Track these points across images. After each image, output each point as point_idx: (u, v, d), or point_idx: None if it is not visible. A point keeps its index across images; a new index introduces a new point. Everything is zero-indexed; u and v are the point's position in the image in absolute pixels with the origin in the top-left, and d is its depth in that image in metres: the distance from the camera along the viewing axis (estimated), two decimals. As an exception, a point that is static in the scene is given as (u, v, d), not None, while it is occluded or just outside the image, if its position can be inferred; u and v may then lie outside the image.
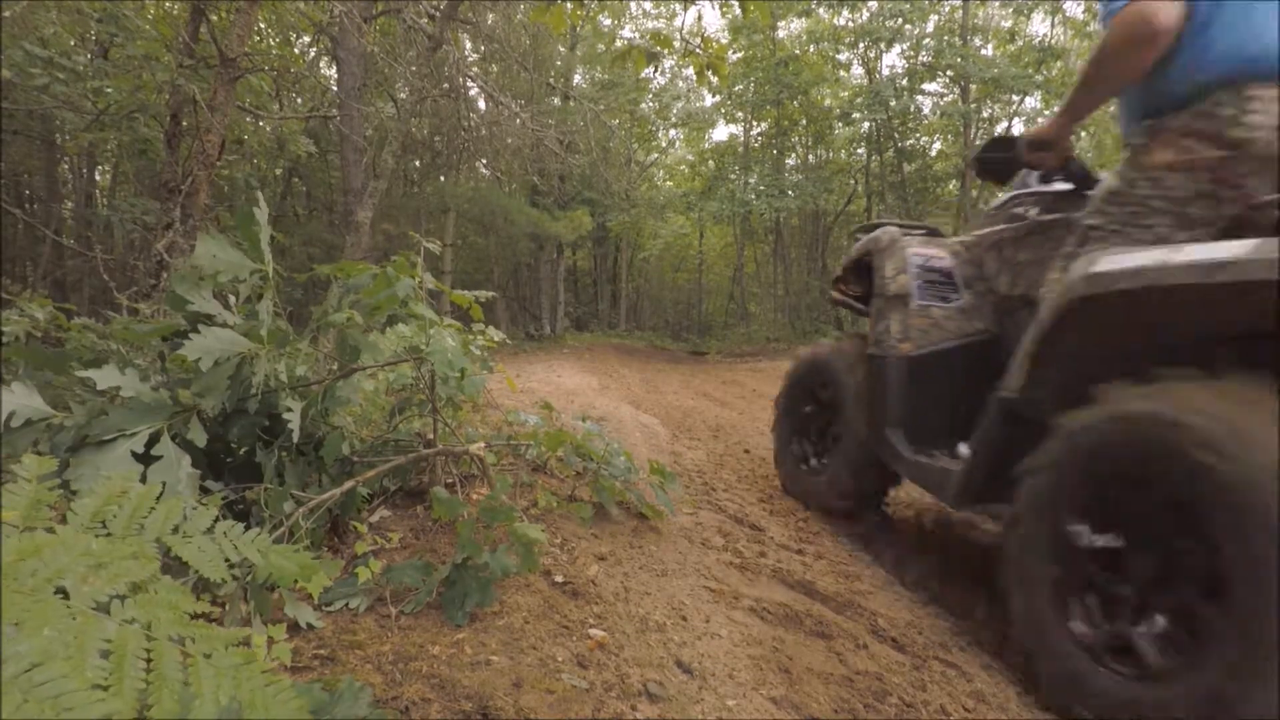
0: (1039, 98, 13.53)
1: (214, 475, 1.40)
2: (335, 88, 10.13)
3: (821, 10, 15.26)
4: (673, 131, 20.82)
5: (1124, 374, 1.40)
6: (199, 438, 1.26)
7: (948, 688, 1.39)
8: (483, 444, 1.75)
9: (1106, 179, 1.75)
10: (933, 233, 2.59)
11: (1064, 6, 14.90)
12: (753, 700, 1.18)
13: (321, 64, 11.60)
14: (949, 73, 14.36)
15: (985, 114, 14.82)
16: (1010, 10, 14.90)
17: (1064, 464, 1.44)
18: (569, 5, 3.35)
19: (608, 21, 17.24)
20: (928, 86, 15.37)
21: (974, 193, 14.76)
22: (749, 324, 18.00)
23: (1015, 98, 13.85)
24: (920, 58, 14.72)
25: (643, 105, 17.49)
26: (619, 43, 16.42)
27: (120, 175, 12.04)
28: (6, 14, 4.61)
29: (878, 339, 2.38)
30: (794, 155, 19.25)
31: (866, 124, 15.74)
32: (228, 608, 1.04)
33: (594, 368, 8.74)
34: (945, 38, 14.17)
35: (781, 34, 16.78)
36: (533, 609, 1.31)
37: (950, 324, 2.30)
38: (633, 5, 17.17)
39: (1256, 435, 1.12)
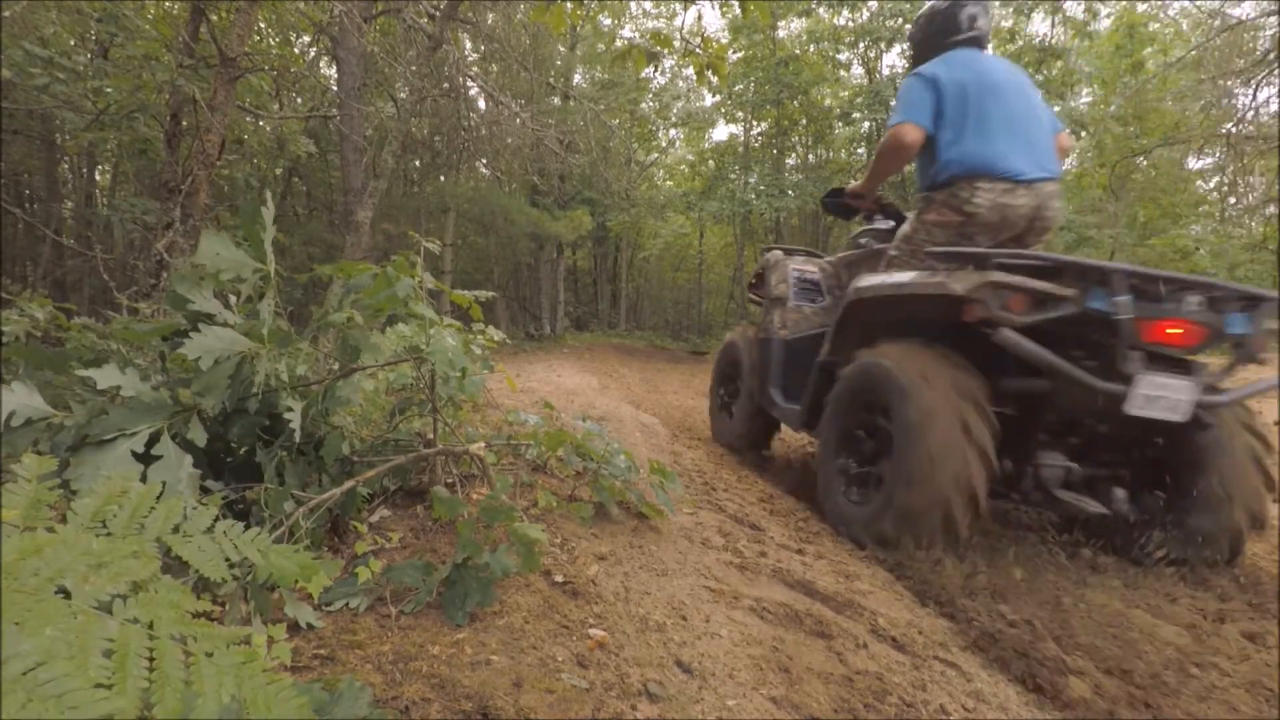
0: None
1: (214, 475, 1.40)
2: (335, 88, 10.13)
3: (821, 10, 15.24)
4: (673, 131, 20.82)
5: (872, 343, 2.40)
6: (199, 437, 1.26)
7: (948, 688, 1.39)
8: (483, 444, 1.75)
9: (904, 225, 2.67)
10: (811, 254, 3.60)
11: (1064, 6, 14.90)
12: (753, 700, 1.18)
13: (321, 64, 11.59)
14: (949, 73, 14.35)
15: (985, 114, 14.81)
16: (1010, 10, 14.88)
17: (841, 393, 2.50)
18: (569, 5, 3.35)
19: (608, 21, 17.23)
20: (928, 86, 15.36)
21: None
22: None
23: (1015, 98, 13.83)
24: (920, 58, 14.71)
25: (643, 105, 17.48)
26: (619, 43, 16.41)
27: (120, 175, 12.04)
28: (6, 14, 4.61)
29: (765, 327, 3.41)
30: (794, 155, 19.24)
31: (867, 124, 15.72)
32: (228, 607, 1.04)
33: (594, 367, 8.75)
34: (945, 38, 14.16)
35: (781, 34, 16.77)
36: (533, 609, 1.32)
37: (815, 318, 3.33)
38: (633, 5, 17.17)
39: (909, 362, 2.16)
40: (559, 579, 1.48)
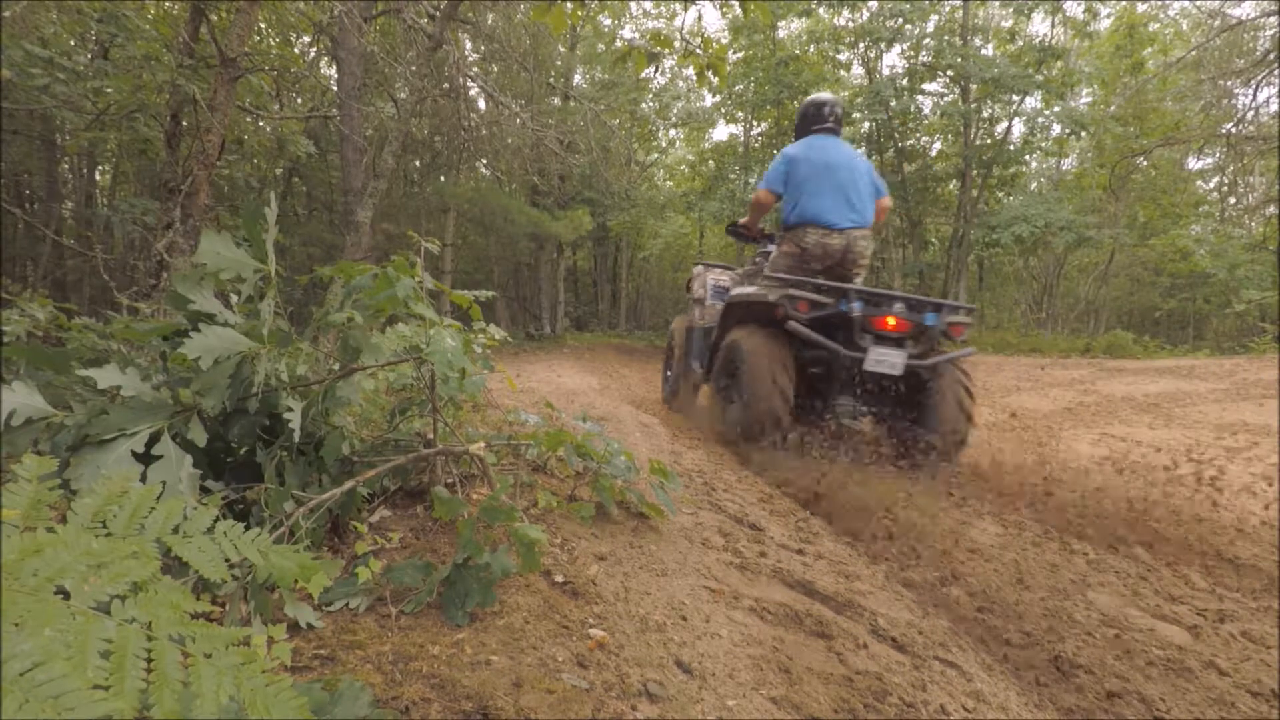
0: (1039, 97, 13.51)
1: (214, 475, 1.40)
2: (335, 88, 10.12)
3: (822, 10, 15.24)
4: (673, 131, 20.82)
5: (736, 328, 3.62)
6: (199, 437, 1.26)
7: (948, 688, 1.39)
8: (483, 444, 1.75)
9: (774, 253, 3.98)
10: (726, 268, 4.85)
11: (1064, 6, 14.90)
12: (753, 700, 1.18)
13: (321, 64, 11.59)
14: (949, 73, 14.36)
15: (985, 114, 14.81)
16: (1010, 10, 14.89)
17: (719, 357, 3.78)
18: (569, 5, 3.35)
19: (608, 21, 17.23)
20: (928, 86, 15.37)
21: (974, 192, 14.76)
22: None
23: (1015, 97, 13.84)
24: (920, 58, 14.71)
25: (643, 105, 17.48)
26: (619, 43, 16.42)
27: (120, 175, 12.04)
28: (6, 14, 4.61)
29: (690, 319, 4.85)
30: (794, 155, 19.21)
31: (867, 124, 15.73)
32: (228, 608, 1.04)
33: (594, 367, 8.75)
34: (945, 38, 14.16)
35: (782, 34, 16.77)
36: (533, 609, 1.31)
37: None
38: (633, 5, 17.16)
39: (749, 341, 3.39)
40: (559, 579, 1.48)
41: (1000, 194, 15.78)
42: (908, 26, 14.26)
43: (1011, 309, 21.27)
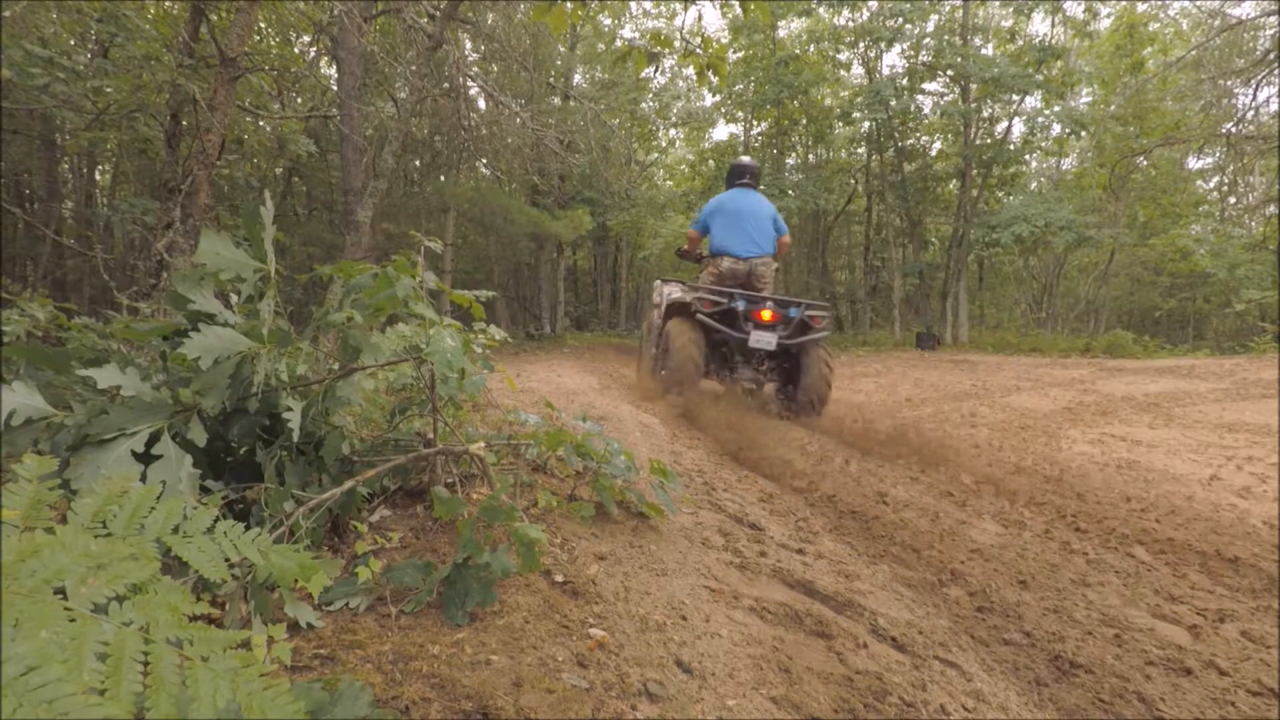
0: (1039, 97, 13.51)
1: (214, 475, 1.40)
2: (335, 87, 10.12)
3: (822, 10, 15.24)
4: (673, 131, 20.82)
5: (672, 319, 4.93)
6: (199, 437, 1.26)
7: (948, 688, 1.39)
8: (483, 443, 1.75)
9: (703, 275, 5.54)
10: (680, 282, 5.59)
11: (1064, 6, 14.89)
12: (753, 700, 1.18)
13: (321, 64, 11.59)
14: (949, 72, 14.36)
15: (985, 113, 14.81)
16: (1010, 10, 14.89)
17: (661, 339, 5.03)
18: (569, 5, 3.35)
19: (608, 21, 17.22)
20: (928, 86, 15.37)
21: (974, 192, 14.76)
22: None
23: (1015, 97, 13.83)
24: (920, 57, 14.71)
25: (643, 105, 17.48)
26: (619, 43, 16.40)
27: (120, 175, 12.04)
28: (6, 14, 4.61)
29: (651, 319, 5.80)
30: (794, 155, 19.24)
31: (867, 123, 15.73)
32: (228, 608, 1.04)
33: (594, 367, 8.74)
34: (945, 37, 14.16)
35: (782, 33, 16.77)
36: (533, 609, 1.31)
37: None
38: (633, 5, 17.15)
39: (676, 327, 4.76)
40: (559, 579, 1.48)
41: (1000, 194, 15.78)
42: (908, 26, 14.26)
43: (1011, 309, 21.27)
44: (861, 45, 15.71)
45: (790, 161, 18.91)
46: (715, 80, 3.67)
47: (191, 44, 3.78)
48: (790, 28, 17.03)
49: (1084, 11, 14.15)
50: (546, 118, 10.49)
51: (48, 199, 10.37)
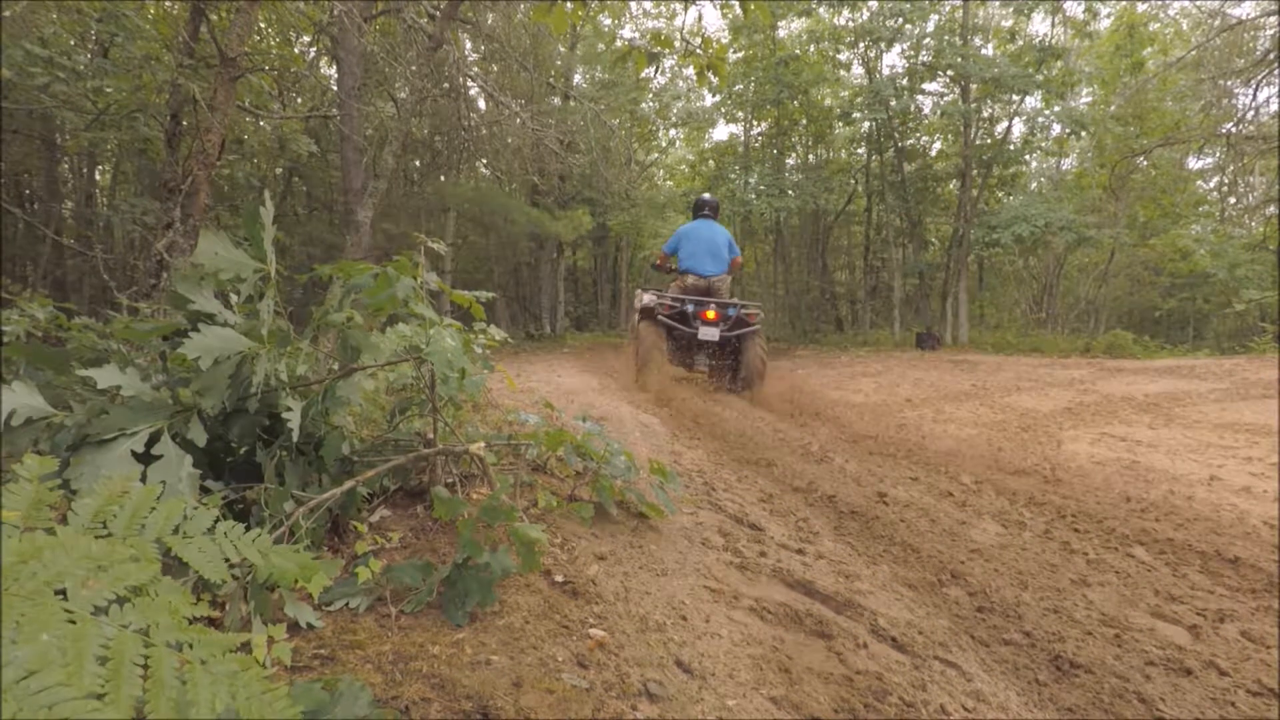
0: (1039, 97, 13.50)
1: (214, 475, 1.40)
2: (335, 87, 10.12)
3: (822, 10, 15.23)
4: (673, 131, 20.81)
5: (646, 320, 6.31)
6: (199, 437, 1.26)
7: (948, 688, 1.39)
8: (483, 443, 1.75)
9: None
10: (658, 290, 6.57)
11: (1064, 6, 14.89)
12: (753, 700, 1.18)
13: (321, 64, 11.59)
14: (949, 72, 14.34)
15: (985, 113, 14.80)
16: (1010, 10, 14.87)
17: (635, 335, 6.62)
18: (569, 5, 3.35)
19: (608, 21, 17.22)
20: (928, 86, 15.35)
21: (974, 192, 14.76)
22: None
23: (1015, 97, 13.82)
24: (920, 57, 14.69)
25: (643, 105, 17.47)
26: (619, 43, 16.40)
27: (120, 175, 12.04)
28: (6, 14, 4.61)
29: (633, 321, 6.78)
30: (794, 155, 19.23)
31: (867, 124, 15.71)
32: (228, 608, 1.04)
33: (594, 367, 8.74)
34: (945, 37, 14.14)
35: (782, 33, 16.76)
36: (533, 609, 1.31)
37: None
38: (633, 5, 17.15)
39: (644, 326, 6.23)
40: (559, 579, 1.48)
41: (1000, 194, 15.77)
42: (908, 26, 14.24)
43: (1011, 309, 21.24)
44: (861, 45, 15.70)
45: (790, 161, 18.90)
46: (715, 80, 3.67)
47: (191, 44, 3.78)
48: (790, 28, 17.02)
49: (1084, 12, 14.14)
50: (546, 118, 10.49)
51: (48, 199, 10.36)
